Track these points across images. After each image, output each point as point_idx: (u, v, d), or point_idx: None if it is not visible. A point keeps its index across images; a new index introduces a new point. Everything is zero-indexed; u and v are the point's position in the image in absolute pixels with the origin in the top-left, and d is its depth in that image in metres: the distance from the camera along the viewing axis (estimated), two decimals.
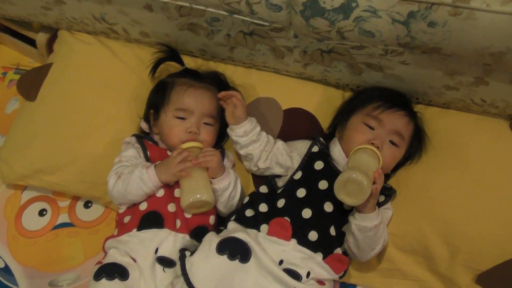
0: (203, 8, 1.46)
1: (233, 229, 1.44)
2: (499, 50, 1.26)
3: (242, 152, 1.55)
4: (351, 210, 1.44)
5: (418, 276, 1.54)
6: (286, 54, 1.58)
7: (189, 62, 1.73)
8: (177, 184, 1.48)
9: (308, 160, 1.51)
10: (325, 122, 1.67)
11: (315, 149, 1.53)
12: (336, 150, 1.52)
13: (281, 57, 1.61)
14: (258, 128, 1.56)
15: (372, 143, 1.45)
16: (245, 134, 1.53)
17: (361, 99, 1.56)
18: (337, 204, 1.43)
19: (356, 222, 1.40)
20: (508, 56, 1.27)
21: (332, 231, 1.43)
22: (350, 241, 1.43)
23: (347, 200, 1.36)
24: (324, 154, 1.52)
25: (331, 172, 1.48)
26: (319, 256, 1.40)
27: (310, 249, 1.39)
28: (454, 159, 1.55)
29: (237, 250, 1.37)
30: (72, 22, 1.74)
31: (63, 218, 1.74)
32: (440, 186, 1.52)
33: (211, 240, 1.40)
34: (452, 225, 1.49)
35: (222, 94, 1.56)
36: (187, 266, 1.36)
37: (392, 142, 1.48)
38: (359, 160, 1.40)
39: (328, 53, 1.51)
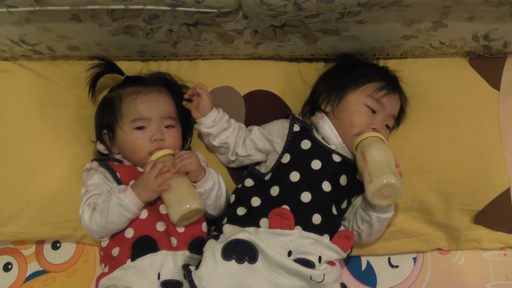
0: (140, 7, 1.34)
1: (231, 231, 1.38)
2: None
3: (216, 143, 1.50)
4: (348, 186, 1.43)
5: (418, 230, 1.55)
6: (236, 38, 1.51)
7: (128, 68, 1.63)
8: (159, 199, 1.40)
9: (292, 141, 1.46)
10: (287, 98, 1.63)
11: (296, 128, 1.48)
12: (327, 127, 1.48)
13: (230, 41, 1.53)
14: (227, 116, 1.51)
15: (373, 128, 1.43)
16: (215, 123, 1.48)
17: (359, 76, 1.49)
18: (334, 182, 1.41)
19: (378, 214, 1.40)
20: None
21: (334, 210, 1.41)
22: (363, 230, 1.44)
23: (382, 202, 1.36)
24: (307, 131, 1.48)
25: (321, 150, 1.45)
26: (326, 238, 1.37)
27: (317, 232, 1.36)
28: (425, 108, 1.56)
29: (243, 252, 1.32)
30: None
31: (33, 267, 1.60)
32: (420, 138, 1.54)
33: (213, 248, 1.34)
34: (440, 173, 1.51)
35: (189, 93, 1.50)
36: (196, 282, 1.29)
37: (387, 126, 1.49)
38: (377, 157, 1.36)
39: (281, 28, 1.46)
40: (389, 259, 1.59)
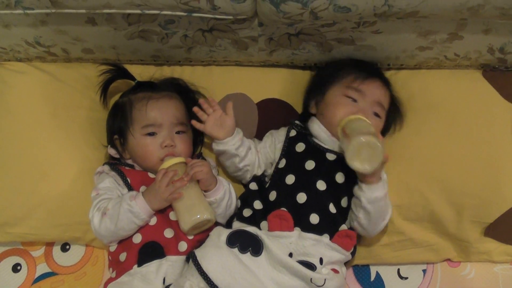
0: (156, 12, 1.36)
1: (240, 227, 1.40)
2: (477, 3, 1.27)
3: (241, 165, 1.49)
4: (346, 183, 1.43)
5: (429, 241, 1.55)
6: (250, 45, 1.52)
7: (141, 72, 1.64)
8: (169, 207, 1.41)
9: (288, 146, 1.49)
10: (299, 106, 1.64)
11: (293, 133, 1.51)
12: (316, 126, 1.50)
13: (245, 48, 1.54)
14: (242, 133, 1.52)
15: None
16: (242, 142, 1.47)
17: (333, 72, 1.52)
18: (329, 180, 1.42)
19: (366, 195, 1.38)
20: (486, 7, 1.28)
21: (332, 208, 1.41)
22: (360, 217, 1.41)
23: (362, 167, 1.32)
24: (303, 135, 1.50)
25: (315, 150, 1.47)
26: (325, 237, 1.38)
27: (315, 232, 1.37)
28: (436, 118, 1.56)
29: (247, 243, 1.34)
30: None
31: (42, 268, 1.59)
32: (431, 148, 1.54)
33: (220, 232, 1.36)
34: (452, 184, 1.51)
35: (201, 101, 1.49)
36: (198, 257, 1.30)
37: (375, 114, 1.48)
38: (357, 127, 1.36)
39: (296, 36, 1.47)
40: (398, 270, 1.59)
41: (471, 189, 1.50)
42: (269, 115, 1.62)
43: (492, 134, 1.53)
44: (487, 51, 1.52)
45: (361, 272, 1.59)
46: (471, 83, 1.59)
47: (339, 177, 1.43)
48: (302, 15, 1.30)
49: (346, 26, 1.39)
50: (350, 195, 1.45)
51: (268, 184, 1.47)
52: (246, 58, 1.61)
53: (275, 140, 1.52)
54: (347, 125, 1.39)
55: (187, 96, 1.57)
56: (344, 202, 1.44)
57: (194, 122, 1.48)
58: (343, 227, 1.42)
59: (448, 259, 1.59)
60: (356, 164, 1.32)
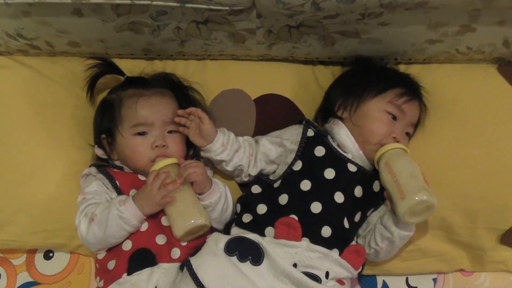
0: (147, 2, 1.32)
1: (239, 233, 1.37)
2: None
3: (230, 167, 1.47)
4: (363, 197, 1.40)
5: (439, 250, 1.51)
6: (248, 38, 1.48)
7: (131, 66, 1.61)
8: (161, 211, 1.38)
9: (305, 147, 1.43)
10: (301, 103, 1.61)
11: (310, 133, 1.45)
12: (343, 134, 1.45)
13: (242, 41, 1.50)
14: (233, 135, 1.48)
15: (394, 137, 1.42)
16: (225, 147, 1.44)
17: (378, 81, 1.47)
18: (348, 193, 1.39)
19: (401, 232, 1.37)
20: None
21: (346, 223, 1.38)
22: (382, 248, 1.41)
23: (414, 220, 1.33)
24: (322, 138, 1.45)
25: (336, 158, 1.42)
26: (335, 252, 1.35)
27: (325, 246, 1.34)
28: (448, 117, 1.52)
29: (247, 251, 1.31)
30: None
31: (23, 278, 1.56)
32: (442, 150, 1.50)
33: (218, 239, 1.33)
34: (464, 188, 1.47)
35: (180, 112, 1.46)
36: (194, 265, 1.28)
37: (407, 134, 1.47)
38: (406, 171, 1.34)
39: (297, 28, 1.43)
40: (406, 279, 1.56)
41: (485, 193, 1.46)
42: (268, 112, 1.59)
43: (507, 133, 1.48)
44: (502, 44, 1.48)
45: (367, 281, 1.56)
46: (485, 78, 1.55)
47: (358, 191, 1.40)
48: (303, 6, 1.27)
49: (350, 18, 1.35)
50: (364, 210, 1.43)
51: (278, 185, 1.42)
52: (243, 52, 1.57)
53: (283, 139, 1.47)
54: (391, 160, 1.36)
55: (180, 93, 1.53)
56: (357, 217, 1.41)
57: (181, 129, 1.46)
58: (353, 242, 1.41)
59: (461, 270, 1.56)
60: (408, 218, 1.32)
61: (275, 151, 1.47)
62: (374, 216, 1.46)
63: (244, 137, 1.51)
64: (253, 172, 1.48)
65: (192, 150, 1.55)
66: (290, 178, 1.42)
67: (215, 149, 1.43)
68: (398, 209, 1.31)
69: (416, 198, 1.28)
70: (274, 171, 1.49)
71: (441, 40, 1.47)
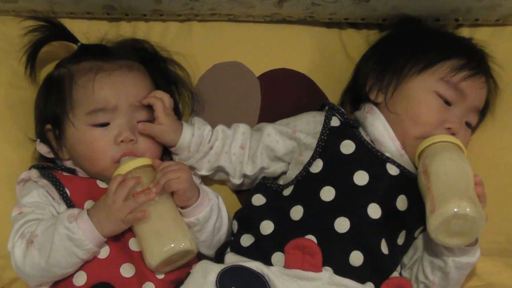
0: None
1: (236, 262, 1.31)
2: None
3: (205, 172, 1.43)
4: (409, 211, 1.31)
5: None
6: None
7: (86, 30, 1.54)
8: (129, 231, 1.30)
9: (328, 141, 1.35)
10: (322, 81, 1.53)
11: (335, 122, 1.37)
12: (379, 125, 1.38)
13: None
14: (207, 129, 1.42)
15: (448, 128, 1.33)
16: (191, 154, 1.41)
17: (426, 50, 1.40)
18: (387, 205, 1.29)
19: (456, 259, 1.29)
20: None
21: (384, 246, 1.28)
22: (435, 282, 1.33)
23: (451, 242, 1.24)
24: (350, 129, 1.37)
25: (370, 157, 1.34)
26: (369, 287, 1.26)
27: (355, 279, 1.25)
28: None
29: (247, 286, 1.25)
30: None
31: None
32: None
33: (207, 269, 1.26)
34: None
35: (143, 102, 1.40)
36: None
37: (467, 124, 1.37)
38: (445, 174, 1.26)
39: None
40: None
41: None
42: (276, 93, 1.52)
43: None
44: None
45: None
46: None
47: (401, 203, 1.30)
48: None
49: None
50: (410, 230, 1.34)
51: (289, 192, 1.35)
52: (243, 10, 1.50)
53: (296, 130, 1.42)
54: (430, 157, 1.29)
55: (156, 67, 1.47)
56: (400, 239, 1.32)
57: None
58: (395, 274, 1.32)
59: None
60: (442, 238, 1.23)
61: (283, 144, 1.40)
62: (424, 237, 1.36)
63: (241, 124, 1.44)
64: (250, 171, 1.42)
65: None
66: (306, 184, 1.35)
67: (182, 157, 1.42)
68: (428, 224, 1.23)
69: (453, 209, 1.19)
70: (283, 173, 1.42)
71: None
